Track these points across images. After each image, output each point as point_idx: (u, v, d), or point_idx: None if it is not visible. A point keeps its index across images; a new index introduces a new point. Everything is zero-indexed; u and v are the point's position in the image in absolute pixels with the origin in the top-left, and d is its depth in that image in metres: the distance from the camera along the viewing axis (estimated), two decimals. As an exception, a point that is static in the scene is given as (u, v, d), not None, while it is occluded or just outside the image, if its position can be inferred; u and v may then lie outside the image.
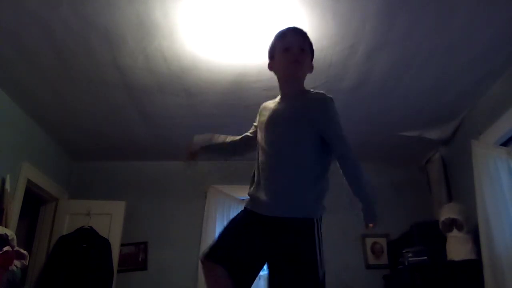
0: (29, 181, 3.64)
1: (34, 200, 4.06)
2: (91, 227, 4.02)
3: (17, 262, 2.81)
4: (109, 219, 4.17)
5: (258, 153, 1.77)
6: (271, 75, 3.13)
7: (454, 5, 2.43)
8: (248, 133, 1.99)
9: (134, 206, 4.38)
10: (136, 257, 4.31)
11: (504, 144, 3.21)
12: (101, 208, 4.17)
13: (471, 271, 3.13)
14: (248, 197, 1.73)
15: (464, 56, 2.91)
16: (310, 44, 1.81)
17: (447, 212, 3.49)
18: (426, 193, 4.57)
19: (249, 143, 1.95)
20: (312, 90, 1.79)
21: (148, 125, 3.88)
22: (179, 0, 2.37)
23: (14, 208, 3.37)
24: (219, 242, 1.64)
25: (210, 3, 2.40)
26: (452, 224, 3.44)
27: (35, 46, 2.73)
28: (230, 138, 2.01)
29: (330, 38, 2.72)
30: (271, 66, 1.86)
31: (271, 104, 1.84)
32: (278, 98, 1.84)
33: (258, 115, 1.89)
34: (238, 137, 2.00)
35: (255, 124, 1.94)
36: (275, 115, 1.75)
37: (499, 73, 3.10)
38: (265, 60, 2.89)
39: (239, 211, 1.74)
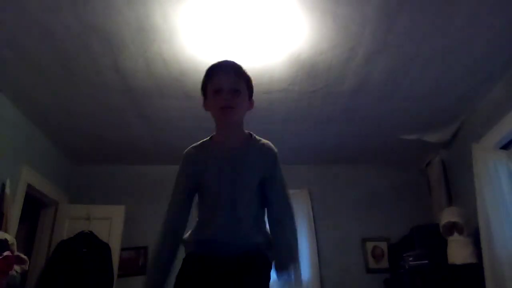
0: (29, 185, 3.63)
1: (34, 204, 4.05)
2: (91, 231, 4.00)
3: (17, 267, 2.80)
4: (109, 224, 4.16)
5: (206, 199, 1.62)
6: (271, 78, 3.16)
7: (453, 8, 2.43)
8: (181, 209, 1.72)
9: (134, 211, 4.37)
10: (136, 262, 4.30)
11: (504, 147, 3.21)
12: (101, 212, 4.16)
13: (472, 274, 3.13)
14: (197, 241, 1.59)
15: (464, 59, 2.92)
16: (247, 80, 1.57)
17: (447, 216, 3.48)
18: (426, 196, 4.57)
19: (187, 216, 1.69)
20: (256, 137, 1.62)
21: (148, 128, 3.88)
22: (179, 4, 2.38)
23: (14, 212, 3.36)
24: None
25: (209, 6, 2.41)
26: (452, 227, 3.44)
27: (35, 50, 2.74)
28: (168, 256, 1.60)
29: (329, 41, 2.73)
30: (205, 106, 1.59)
31: (206, 151, 1.60)
32: (210, 142, 1.62)
33: (186, 163, 1.63)
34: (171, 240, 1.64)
35: (183, 183, 1.67)
36: (229, 162, 1.56)
37: (498, 76, 3.11)
38: (264, 63, 2.94)
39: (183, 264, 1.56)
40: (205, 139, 1.64)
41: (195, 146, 1.63)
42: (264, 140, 1.62)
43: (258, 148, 1.59)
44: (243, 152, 1.57)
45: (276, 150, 1.61)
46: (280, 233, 1.60)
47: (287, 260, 1.60)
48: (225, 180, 1.55)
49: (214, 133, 1.62)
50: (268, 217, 1.65)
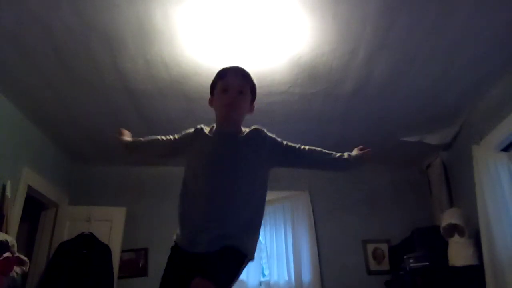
0: (29, 186, 3.63)
1: (34, 205, 4.05)
2: (91, 233, 4.00)
3: (17, 269, 2.80)
4: (110, 225, 4.15)
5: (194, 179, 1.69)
6: (272, 80, 3.16)
7: (453, 7, 2.43)
8: (172, 138, 1.91)
9: (135, 212, 4.37)
10: (137, 263, 4.30)
11: (505, 149, 3.21)
12: (101, 214, 4.16)
13: (472, 276, 3.12)
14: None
15: (464, 58, 2.91)
16: (252, 86, 1.77)
17: (448, 218, 3.48)
18: (427, 198, 4.57)
19: (172, 151, 1.91)
20: (246, 129, 1.76)
21: (148, 129, 3.86)
22: (180, 6, 2.38)
23: (15, 213, 3.36)
24: None
25: (210, 8, 2.41)
26: (453, 229, 3.43)
27: (35, 50, 2.74)
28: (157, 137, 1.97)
29: (330, 43, 2.73)
30: (210, 102, 1.81)
31: (208, 135, 1.75)
32: (211, 132, 1.76)
33: (192, 135, 1.79)
34: (167, 138, 1.93)
35: (181, 137, 1.86)
36: (220, 152, 1.68)
37: (499, 77, 3.10)
38: (265, 65, 2.94)
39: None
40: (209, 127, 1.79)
41: (203, 127, 1.79)
42: (249, 129, 1.74)
43: (246, 136, 1.71)
44: (238, 140, 1.69)
45: (260, 128, 1.73)
46: (313, 151, 1.75)
47: (335, 156, 1.78)
48: (216, 166, 1.65)
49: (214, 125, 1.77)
50: (306, 164, 1.82)
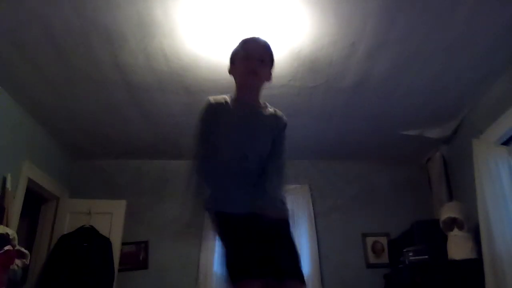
0: (30, 180, 3.64)
1: (35, 199, 4.06)
2: (92, 226, 4.02)
3: (18, 261, 2.81)
4: (110, 218, 4.17)
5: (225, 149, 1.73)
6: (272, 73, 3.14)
7: (454, 4, 2.43)
8: (206, 135, 1.81)
9: (135, 205, 4.38)
10: (137, 256, 4.31)
11: (505, 143, 3.21)
12: (101, 207, 4.17)
13: (472, 270, 3.13)
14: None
15: (465, 55, 2.91)
16: (271, 55, 1.84)
17: (448, 211, 3.49)
18: (426, 192, 4.57)
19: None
20: (268, 104, 1.86)
21: (148, 123, 3.88)
22: (180, -1, 2.37)
23: (15, 207, 3.37)
24: (245, 259, 1.55)
25: (210, 1, 2.40)
26: (453, 223, 3.44)
27: (35, 45, 2.73)
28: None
29: (330, 36, 2.72)
30: (230, 71, 1.87)
31: (226, 104, 1.77)
32: (231, 100, 1.79)
33: (209, 113, 1.78)
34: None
35: (207, 126, 1.79)
36: (249, 119, 1.77)
37: (500, 72, 3.10)
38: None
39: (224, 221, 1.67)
40: (224, 95, 1.82)
41: (215, 98, 1.80)
42: (277, 109, 1.86)
43: (273, 111, 1.84)
44: (259, 111, 1.81)
45: (285, 118, 1.86)
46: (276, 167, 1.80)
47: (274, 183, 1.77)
48: (240, 132, 1.75)
49: (234, 93, 1.83)
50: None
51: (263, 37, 1.87)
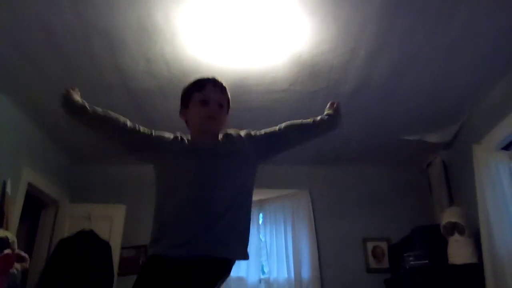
0: (29, 184, 3.64)
1: (34, 203, 4.05)
2: (91, 230, 4.01)
3: (17, 265, 2.80)
4: (110, 223, 4.17)
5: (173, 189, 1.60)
6: (273, 78, 3.16)
7: (454, 8, 2.43)
8: (136, 127, 1.80)
9: (135, 210, 4.37)
10: (137, 261, 4.30)
11: (506, 148, 3.21)
12: (101, 211, 4.17)
13: (472, 275, 3.12)
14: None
15: (465, 59, 2.92)
16: (228, 100, 1.73)
17: (448, 216, 3.48)
18: (427, 197, 4.57)
19: (129, 137, 1.81)
20: (227, 131, 1.73)
21: (149, 128, 3.87)
22: (181, 4, 2.38)
23: (15, 211, 3.37)
24: None
25: (211, 7, 2.41)
26: (453, 228, 3.44)
27: (36, 49, 2.74)
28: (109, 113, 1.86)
29: (330, 42, 2.73)
30: (182, 114, 1.73)
31: (189, 146, 1.67)
32: (190, 143, 1.69)
33: (171, 141, 1.69)
34: (122, 119, 1.84)
35: (157, 136, 1.74)
36: (208, 157, 1.60)
37: (500, 76, 3.10)
38: (266, 63, 2.93)
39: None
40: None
41: (183, 137, 1.70)
42: (221, 135, 1.71)
43: (224, 143, 1.67)
44: (218, 145, 1.66)
45: (231, 130, 1.72)
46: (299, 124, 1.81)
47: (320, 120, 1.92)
48: (199, 173, 1.58)
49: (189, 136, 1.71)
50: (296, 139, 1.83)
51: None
